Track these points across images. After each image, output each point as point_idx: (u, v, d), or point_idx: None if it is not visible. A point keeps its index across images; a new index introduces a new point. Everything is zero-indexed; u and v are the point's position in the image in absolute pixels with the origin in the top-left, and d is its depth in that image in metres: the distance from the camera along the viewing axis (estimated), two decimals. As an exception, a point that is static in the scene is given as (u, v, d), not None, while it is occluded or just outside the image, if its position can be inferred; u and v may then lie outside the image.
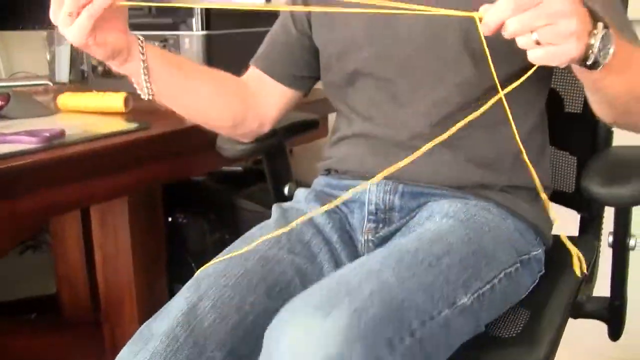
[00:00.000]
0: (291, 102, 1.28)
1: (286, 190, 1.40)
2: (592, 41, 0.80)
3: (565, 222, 1.29)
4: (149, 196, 1.64)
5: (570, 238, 1.26)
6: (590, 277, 1.24)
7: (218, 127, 1.25)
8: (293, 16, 1.25)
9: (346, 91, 1.18)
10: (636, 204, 1.01)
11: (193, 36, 1.60)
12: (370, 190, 1.11)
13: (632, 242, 1.13)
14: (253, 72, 1.27)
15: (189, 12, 1.60)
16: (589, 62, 0.82)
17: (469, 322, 0.95)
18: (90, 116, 1.47)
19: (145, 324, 0.94)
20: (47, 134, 1.22)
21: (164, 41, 1.64)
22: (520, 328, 1.00)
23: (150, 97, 1.06)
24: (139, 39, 1.03)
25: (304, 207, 1.16)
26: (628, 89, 0.93)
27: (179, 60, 1.16)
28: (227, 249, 1.07)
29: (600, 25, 0.81)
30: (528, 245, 1.09)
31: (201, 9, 1.60)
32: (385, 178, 1.02)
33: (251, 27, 1.65)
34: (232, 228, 1.86)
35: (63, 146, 1.22)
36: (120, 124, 1.39)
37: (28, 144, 1.20)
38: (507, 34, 0.79)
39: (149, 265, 1.65)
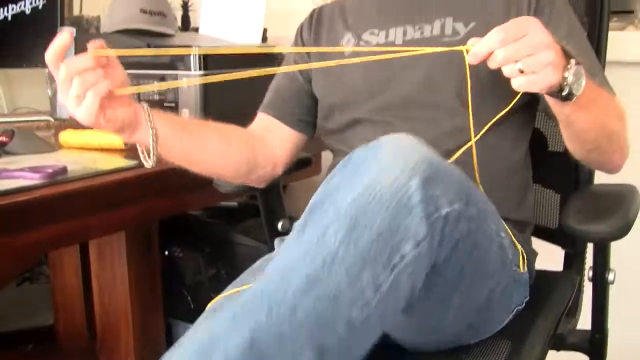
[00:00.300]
0: (299, 145, 1.34)
1: (280, 226, 1.43)
2: (567, 74, 0.89)
3: (551, 257, 1.33)
4: (145, 230, 1.65)
5: (554, 273, 1.31)
6: (573, 311, 1.28)
7: (232, 177, 1.28)
8: (298, 64, 1.32)
9: (346, 135, 1.24)
10: (614, 239, 1.04)
11: (191, 76, 1.63)
12: None
13: (611, 276, 1.16)
14: (262, 119, 1.32)
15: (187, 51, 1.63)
16: (564, 93, 0.91)
17: (497, 268, 1.00)
18: (91, 153, 1.49)
19: (165, 356, 0.93)
20: (50, 170, 1.23)
21: (161, 80, 1.67)
22: (501, 359, 1.02)
23: (154, 165, 1.05)
24: (144, 107, 1.04)
25: None
26: (598, 125, 1.01)
27: (183, 120, 1.19)
28: (236, 280, 1.10)
29: (572, 61, 0.90)
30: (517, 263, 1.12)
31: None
32: None
33: (248, 67, 1.69)
34: (227, 263, 1.87)
35: (65, 182, 1.24)
36: (119, 161, 1.41)
37: (31, 180, 1.21)
38: (495, 62, 0.88)
39: (146, 298, 1.67)
